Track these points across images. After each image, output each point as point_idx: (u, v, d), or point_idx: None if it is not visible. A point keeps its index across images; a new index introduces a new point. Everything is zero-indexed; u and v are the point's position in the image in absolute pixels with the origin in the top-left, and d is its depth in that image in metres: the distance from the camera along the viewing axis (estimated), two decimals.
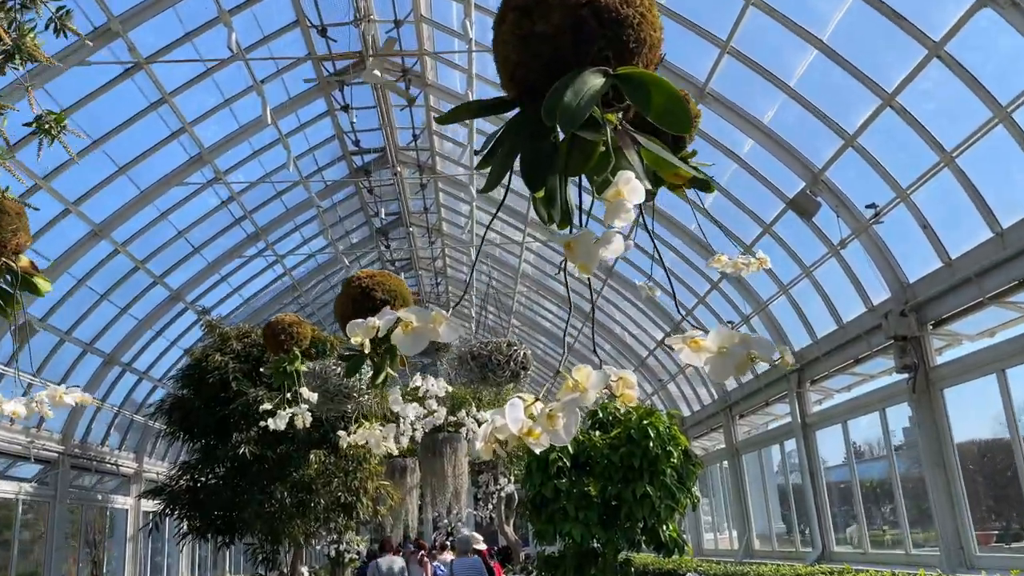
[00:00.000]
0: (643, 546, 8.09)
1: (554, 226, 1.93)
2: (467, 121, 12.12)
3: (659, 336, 14.86)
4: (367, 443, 4.36)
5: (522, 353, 9.39)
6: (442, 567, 12.83)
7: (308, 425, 5.99)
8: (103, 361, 13.61)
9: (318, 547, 16.19)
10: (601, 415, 8.82)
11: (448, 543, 16.13)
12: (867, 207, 8.31)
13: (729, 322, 12.42)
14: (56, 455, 13.24)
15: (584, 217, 1.93)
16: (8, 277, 3.24)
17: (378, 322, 2.05)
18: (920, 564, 8.10)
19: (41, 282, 3.66)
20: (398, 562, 11.58)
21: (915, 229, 7.92)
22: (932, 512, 8.31)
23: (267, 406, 6.86)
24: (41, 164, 9.70)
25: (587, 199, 1.89)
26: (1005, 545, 8.49)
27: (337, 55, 10.79)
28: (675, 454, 8.15)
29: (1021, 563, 6.77)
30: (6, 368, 10.86)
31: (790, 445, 12.34)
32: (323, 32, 10.76)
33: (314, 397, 6.35)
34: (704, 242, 11.56)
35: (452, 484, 13.90)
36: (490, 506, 15.65)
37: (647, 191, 3.06)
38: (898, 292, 8.47)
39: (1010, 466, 9.25)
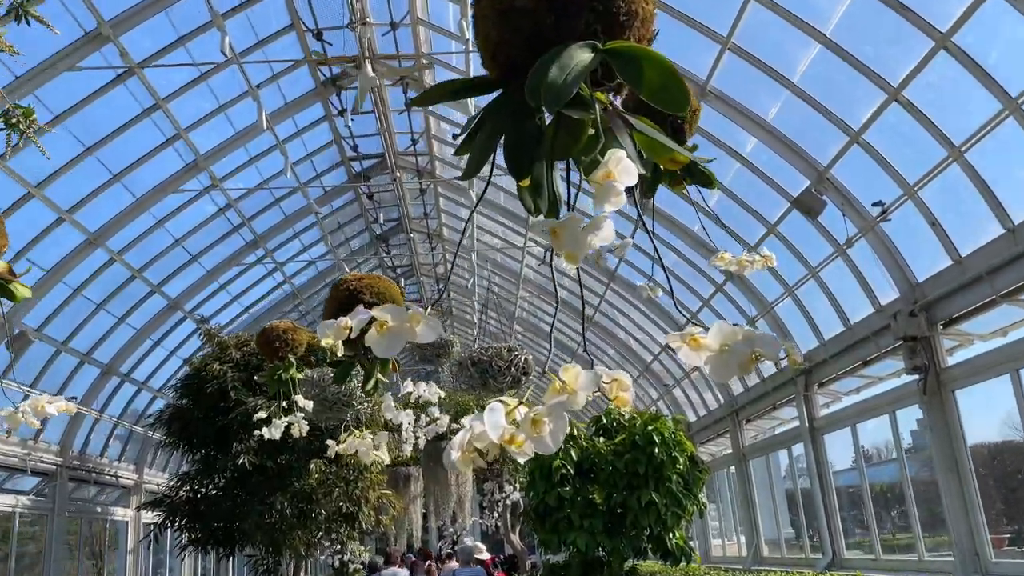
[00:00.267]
0: (649, 554, 7.94)
1: (540, 216, 1.77)
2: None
3: (664, 341, 14.67)
4: (357, 452, 4.17)
5: (523, 358, 9.24)
6: None
7: (305, 434, 5.82)
8: (101, 371, 13.47)
9: (322, 557, 16.01)
10: (605, 421, 8.68)
11: (453, 552, 15.94)
12: (874, 205, 8.13)
13: (734, 324, 12.22)
14: (54, 467, 13.09)
15: (574, 208, 1.76)
16: None
17: (350, 322, 1.88)
18: (934, 570, 7.91)
19: (19, 288, 3.50)
20: (401, 574, 11.40)
21: (923, 227, 7.73)
22: (945, 517, 8.10)
23: (262, 415, 6.71)
24: (33, 172, 9.58)
25: (581, 197, 1.72)
26: (1017, 549, 8.29)
27: (333, 59, 10.65)
28: (681, 460, 7.99)
29: None
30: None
31: (798, 449, 12.13)
32: (319, 36, 10.63)
33: (310, 405, 6.18)
34: (707, 244, 11.40)
35: (456, 492, 13.75)
36: (495, 514, 15.46)
37: (647, 187, 2.87)
38: (907, 292, 8.28)
39: (1021, 469, 9.06)
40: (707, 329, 1.86)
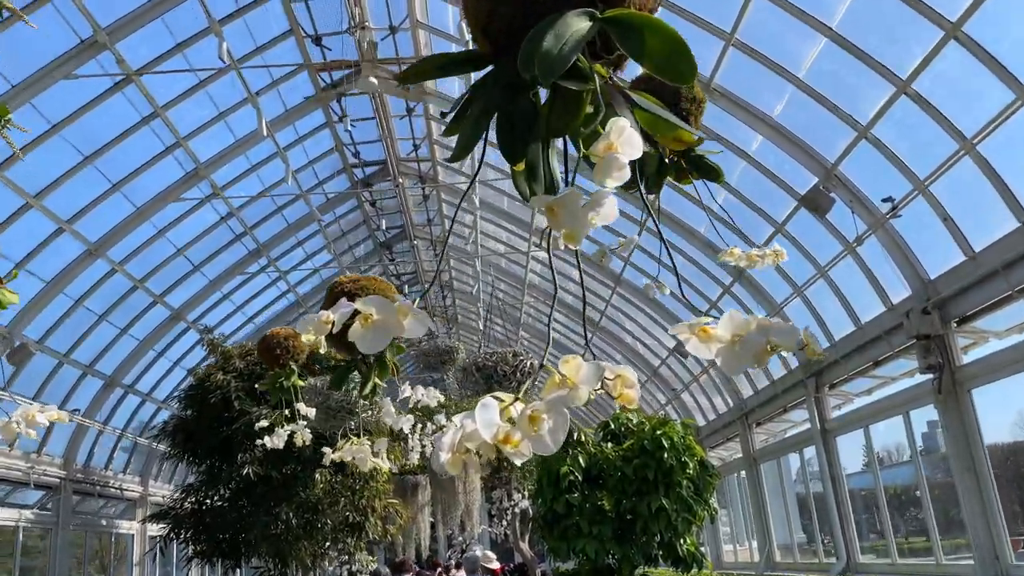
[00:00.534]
0: (660, 561, 7.78)
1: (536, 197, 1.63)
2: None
3: (671, 344, 14.49)
4: (353, 459, 4.04)
5: (528, 363, 9.10)
6: None
7: (309, 443, 5.70)
8: (104, 383, 13.38)
9: (330, 568, 15.86)
10: (613, 426, 8.56)
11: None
12: (884, 201, 7.97)
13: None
14: (58, 480, 13.00)
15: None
16: None
17: (332, 316, 1.75)
18: (953, 574, 7.71)
19: (6, 294, 3.40)
20: None
21: (935, 222, 7.56)
22: (964, 519, 7.91)
23: (263, 423, 6.59)
24: (32, 182, 9.50)
25: (581, 180, 1.59)
26: None
27: (332, 63, 10.56)
28: (691, 465, 7.86)
29: None
30: (2, 392, 10.62)
31: (809, 452, 11.95)
32: (318, 41, 10.54)
33: (312, 413, 6.06)
34: (714, 244, 11.25)
35: (464, 501, 13.60)
36: (504, 522, 15.31)
37: (652, 182, 2.71)
38: (919, 289, 8.11)
39: None
40: (717, 319, 1.73)
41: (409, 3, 10.41)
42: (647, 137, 2.47)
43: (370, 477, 11.81)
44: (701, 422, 15.65)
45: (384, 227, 14.93)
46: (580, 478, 7.95)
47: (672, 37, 1.42)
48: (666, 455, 7.71)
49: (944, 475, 9.49)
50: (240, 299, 15.17)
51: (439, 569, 15.82)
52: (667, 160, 2.52)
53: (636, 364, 16.66)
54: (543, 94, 1.67)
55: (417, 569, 14.26)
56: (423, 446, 12.26)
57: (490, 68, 1.63)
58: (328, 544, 12.03)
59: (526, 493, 14.33)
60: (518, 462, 1.34)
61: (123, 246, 11.55)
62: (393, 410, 5.11)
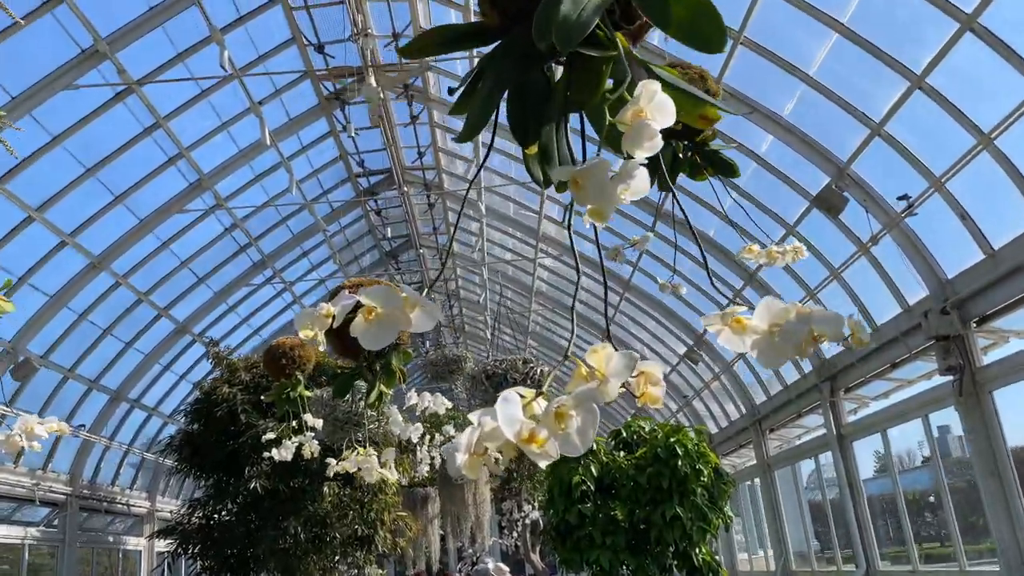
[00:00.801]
0: (675, 571, 7.61)
1: (551, 188, 1.49)
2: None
3: (681, 351, 14.32)
4: (360, 471, 3.89)
5: (539, 370, 8.93)
6: None
7: (317, 455, 5.56)
8: (110, 398, 13.26)
9: None
10: (625, 434, 8.43)
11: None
12: (899, 199, 7.80)
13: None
14: (64, 497, 12.87)
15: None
16: None
17: (332, 308, 1.60)
18: None
19: (2, 303, 3.30)
20: None
21: (952, 220, 7.40)
22: (988, 524, 7.71)
23: (270, 435, 6.47)
24: (33, 195, 9.41)
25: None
26: None
27: (334, 69, 10.46)
28: (705, 472, 7.72)
29: None
30: (7, 408, 10.51)
31: (825, 458, 11.75)
32: (320, 49, 10.45)
33: (319, 423, 5.92)
34: (724, 247, 11.09)
35: (474, 512, 13.43)
36: (515, 534, 15.15)
37: (667, 177, 2.53)
38: (936, 289, 7.93)
39: None
40: (752, 308, 1.58)
41: (412, 9, 10.32)
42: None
43: (379, 490, 11.68)
44: (713, 429, 15.45)
45: (390, 236, 14.82)
46: (592, 488, 7.83)
47: (700, 2, 1.28)
48: (680, 463, 7.58)
49: (958, 479, 9.30)
50: (245, 311, 15.06)
51: None
52: (681, 155, 2.38)
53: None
54: (557, 69, 1.54)
55: None
56: (432, 458, 12.10)
57: (500, 42, 1.49)
58: (337, 558, 11.88)
59: (536, 504, 14.17)
60: (543, 464, 1.19)
61: (127, 259, 11.45)
62: (401, 419, 4.96)
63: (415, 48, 1.50)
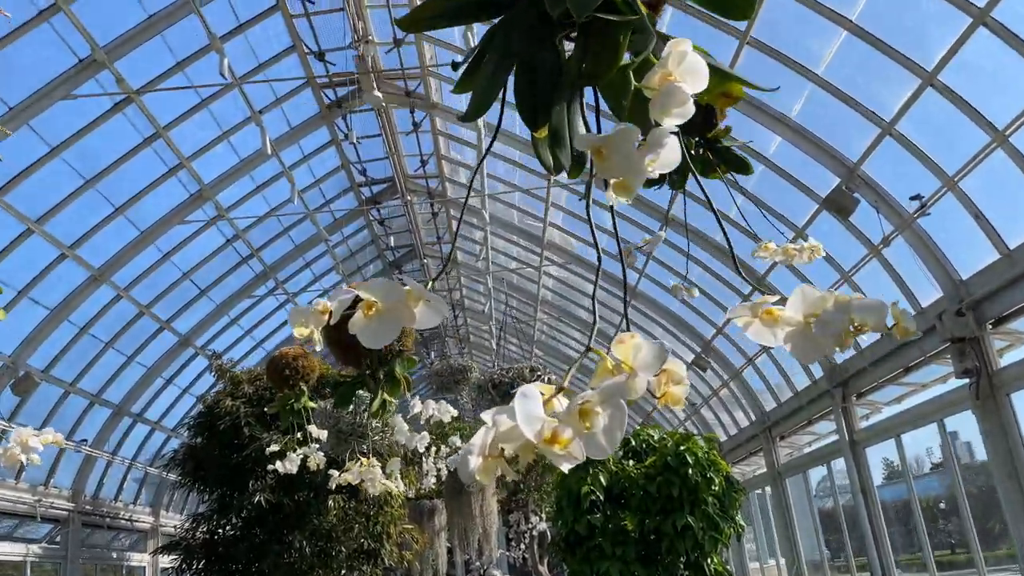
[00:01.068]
0: None
1: (563, 174, 1.37)
2: (475, 142, 11.65)
3: (688, 358, 14.16)
4: (362, 482, 3.76)
5: (547, 378, 8.80)
6: None
7: (322, 466, 5.45)
8: (112, 412, 13.14)
9: None
10: (634, 443, 8.29)
11: None
12: (911, 199, 7.65)
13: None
14: (66, 513, 12.72)
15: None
16: None
17: (329, 304, 1.46)
18: None
19: None
20: None
21: (966, 219, 7.25)
22: (1008, 529, 7.53)
23: (274, 447, 6.36)
24: (33, 207, 9.31)
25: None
26: None
27: (335, 75, 10.37)
28: (717, 481, 7.57)
29: None
30: (7, 424, 10.38)
31: (838, 465, 11.56)
32: (321, 56, 10.35)
33: (323, 435, 5.80)
34: (732, 253, 10.95)
35: (481, 525, 13.27)
36: (522, 546, 15.00)
37: (677, 175, 2.38)
38: (951, 290, 7.78)
39: None
40: (783, 299, 1.45)
41: None
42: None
43: (384, 502, 11.55)
44: (722, 437, 15.27)
45: (393, 246, 14.70)
46: (602, 498, 7.70)
47: None
48: (691, 471, 7.44)
49: (969, 485, 9.13)
50: (248, 323, 14.93)
51: None
52: (692, 152, 2.26)
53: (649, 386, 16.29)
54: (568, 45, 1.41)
55: None
56: (438, 469, 11.93)
57: (506, 13, 1.37)
58: (343, 572, 11.71)
59: (544, 515, 14.03)
60: (565, 468, 1.05)
61: (128, 271, 11.34)
62: (406, 428, 4.83)
63: (413, 19, 1.37)
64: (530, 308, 17.30)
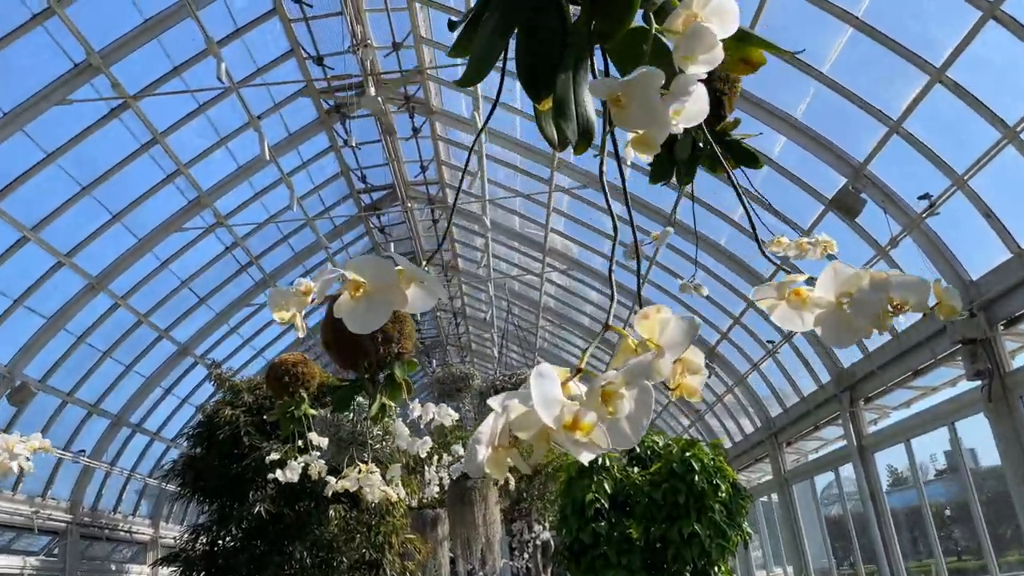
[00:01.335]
0: None
1: (569, 149, 1.25)
2: (476, 148, 11.55)
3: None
4: (360, 488, 3.63)
5: None
6: None
7: (323, 475, 5.33)
8: (111, 422, 13.00)
9: None
10: (639, 449, 8.16)
11: None
12: (920, 198, 7.52)
13: (769, 341, 11.61)
14: (64, 525, 12.56)
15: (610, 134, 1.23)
16: None
17: (312, 284, 1.34)
18: None
19: None
20: None
21: (976, 218, 7.11)
22: (1022, 535, 7.37)
23: (274, 456, 6.26)
24: (29, 214, 9.19)
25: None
26: None
27: (334, 78, 10.28)
28: (723, 487, 7.45)
29: None
30: (4, 434, 10.23)
31: (846, 471, 11.40)
32: (319, 61, 10.27)
33: (324, 442, 5.69)
34: (735, 256, 10.83)
35: (484, 534, 13.13)
36: (526, 555, 14.86)
37: (685, 169, 2.29)
38: (961, 291, 7.64)
39: None
40: (811, 279, 1.33)
41: (412, 19, 10.15)
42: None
43: (386, 512, 11.40)
44: (727, 444, 15.10)
45: (394, 253, 14.58)
46: (606, 505, 7.58)
47: None
48: (697, 478, 7.33)
49: (978, 490, 8.98)
50: (248, 332, 14.80)
51: None
52: (700, 143, 2.14)
53: (656, 386, 16.12)
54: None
55: None
56: (441, 478, 11.79)
57: None
58: None
59: (547, 524, 13.89)
60: (585, 459, 0.92)
61: (125, 279, 11.22)
62: (407, 433, 4.70)
63: None
64: (532, 315, 17.16)
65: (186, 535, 11.78)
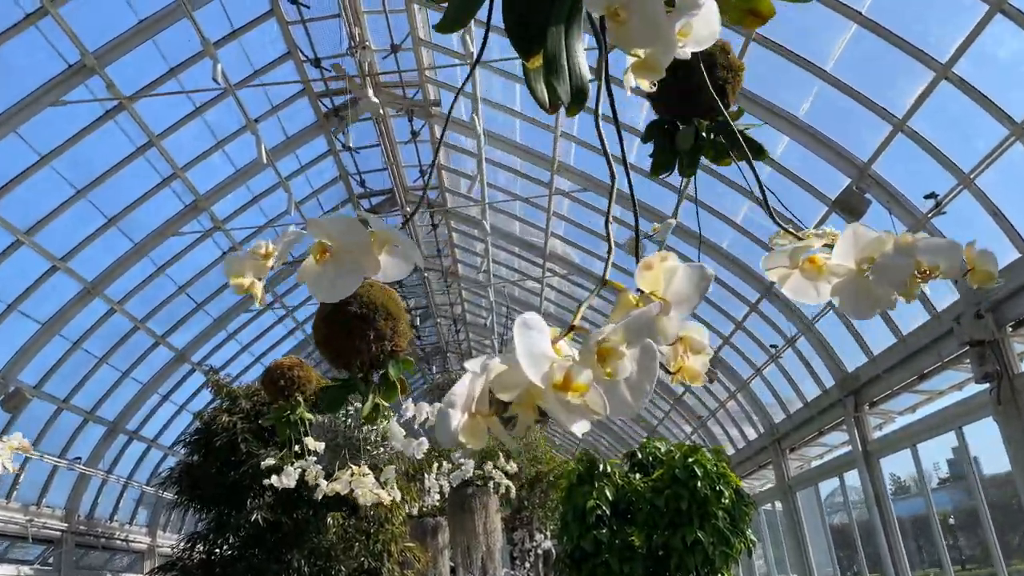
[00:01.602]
0: None
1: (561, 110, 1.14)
2: (475, 151, 11.45)
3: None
4: (352, 492, 3.51)
5: None
6: None
7: (320, 479, 5.21)
8: (107, 430, 12.87)
9: None
10: (640, 455, 8.06)
11: None
12: (926, 197, 7.40)
13: (772, 345, 11.47)
14: (59, 533, 12.42)
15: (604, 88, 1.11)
16: None
17: (271, 246, 1.22)
18: None
19: None
20: None
21: (983, 217, 6.99)
22: None
23: (270, 461, 6.14)
24: (22, 217, 9.09)
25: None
26: None
27: (331, 78, 10.18)
28: (727, 494, 7.33)
29: None
30: None
31: (851, 478, 11.24)
32: (317, 63, 10.17)
33: (321, 447, 5.59)
34: (738, 260, 10.71)
35: (484, 543, 13.00)
36: (527, 564, 14.70)
37: (688, 162, 2.19)
38: (968, 292, 7.50)
39: None
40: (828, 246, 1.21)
41: (410, 21, 10.06)
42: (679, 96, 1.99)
43: (385, 520, 11.27)
44: (730, 451, 14.95)
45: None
46: (608, 512, 7.46)
47: None
48: (700, 484, 7.21)
49: (974, 500, 8.83)
50: (246, 338, 14.68)
51: None
52: (704, 133, 2.03)
53: (658, 392, 16.01)
54: None
55: None
56: (440, 485, 11.65)
57: None
58: None
59: (548, 533, 13.76)
60: (577, 430, 0.79)
61: (121, 284, 11.10)
62: (402, 434, 4.58)
63: None
64: None
65: (183, 543, 11.64)
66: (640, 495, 7.49)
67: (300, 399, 5.60)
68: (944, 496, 11.39)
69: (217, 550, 10.94)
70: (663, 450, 8.10)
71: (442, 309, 18.65)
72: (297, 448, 5.25)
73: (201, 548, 10.95)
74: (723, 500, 7.30)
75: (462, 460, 11.42)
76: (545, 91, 1.15)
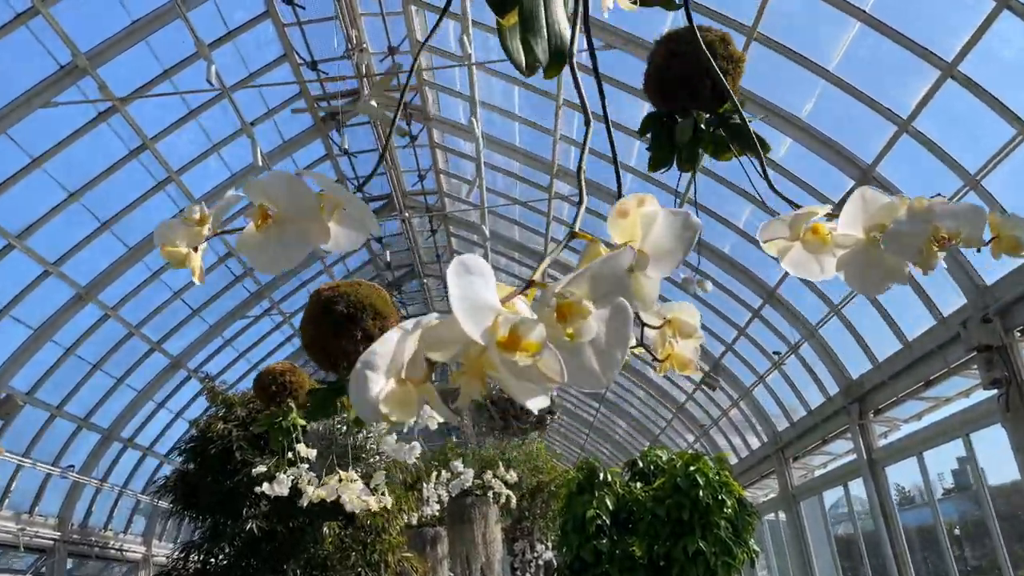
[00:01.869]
0: None
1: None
2: (474, 154, 11.33)
3: (697, 377, 13.70)
4: (339, 497, 3.38)
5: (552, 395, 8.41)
6: None
7: (311, 485, 5.08)
8: (101, 437, 12.70)
9: None
10: (641, 464, 7.95)
11: None
12: (932, 198, 7.25)
13: (775, 352, 11.31)
14: (52, 542, 12.23)
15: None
16: None
17: (206, 209, 1.08)
18: None
19: None
20: None
21: None
22: None
23: (261, 468, 6.02)
24: (13, 221, 8.96)
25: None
26: None
27: (327, 79, 10.08)
28: (729, 503, 7.22)
29: None
30: None
31: (855, 488, 11.06)
32: (314, 66, 10.07)
33: (313, 454, 5.46)
34: (740, 264, 10.57)
35: (484, 553, 12.84)
36: (528, 575, 14.54)
37: (688, 156, 2.03)
38: (975, 297, 7.35)
39: None
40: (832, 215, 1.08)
41: (408, 24, 9.96)
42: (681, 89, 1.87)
43: (382, 529, 11.12)
44: (733, 460, 14.75)
45: (391, 263, 14.34)
46: (608, 522, 7.38)
47: None
48: (702, 493, 7.09)
49: (976, 511, 8.67)
50: (242, 345, 14.53)
51: None
52: (702, 127, 1.90)
53: (660, 400, 15.84)
54: None
55: None
56: (439, 495, 11.50)
57: None
58: None
59: (550, 544, 13.62)
60: (532, 405, 0.63)
61: (115, 289, 10.95)
62: (394, 439, 4.47)
63: None
64: None
65: (177, 553, 11.49)
66: (641, 504, 7.39)
67: (292, 405, 5.47)
68: (951, 506, 11.20)
69: (212, 559, 10.78)
70: (664, 458, 8.01)
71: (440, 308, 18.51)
72: (290, 455, 5.12)
73: (196, 558, 10.80)
74: (725, 509, 7.21)
75: (461, 469, 11.28)
76: (521, 50, 1.02)
